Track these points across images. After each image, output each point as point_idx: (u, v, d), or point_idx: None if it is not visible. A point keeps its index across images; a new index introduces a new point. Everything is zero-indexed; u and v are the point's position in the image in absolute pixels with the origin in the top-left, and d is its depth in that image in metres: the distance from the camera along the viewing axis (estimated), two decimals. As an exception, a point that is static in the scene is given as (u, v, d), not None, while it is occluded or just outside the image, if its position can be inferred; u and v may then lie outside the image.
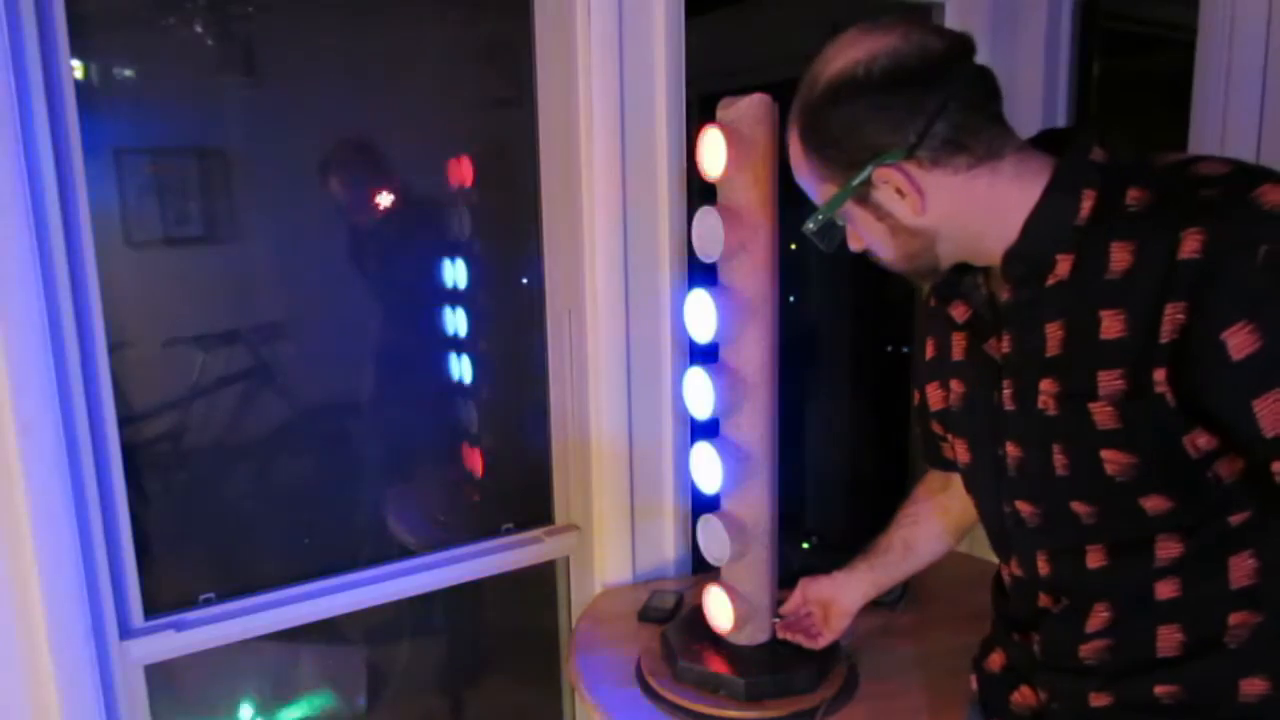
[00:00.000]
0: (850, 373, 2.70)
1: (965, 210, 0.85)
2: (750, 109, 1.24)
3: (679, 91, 1.62)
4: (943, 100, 0.81)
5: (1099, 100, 1.86)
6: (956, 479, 1.19)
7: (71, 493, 1.25)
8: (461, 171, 1.74)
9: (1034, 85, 1.83)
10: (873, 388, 2.66)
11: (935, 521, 1.24)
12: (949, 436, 1.06)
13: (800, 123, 0.88)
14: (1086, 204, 0.81)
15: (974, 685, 1.10)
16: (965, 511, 1.20)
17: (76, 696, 1.29)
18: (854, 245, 0.96)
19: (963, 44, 0.84)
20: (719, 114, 1.26)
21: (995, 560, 1.05)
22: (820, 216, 0.91)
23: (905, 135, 0.82)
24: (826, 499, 2.81)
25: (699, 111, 1.74)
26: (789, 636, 1.33)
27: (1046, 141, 0.88)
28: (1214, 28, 1.46)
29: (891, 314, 2.47)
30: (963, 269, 0.94)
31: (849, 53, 0.83)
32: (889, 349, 2.54)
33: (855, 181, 0.85)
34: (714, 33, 2.20)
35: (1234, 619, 0.83)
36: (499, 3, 1.74)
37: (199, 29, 1.47)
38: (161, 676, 1.44)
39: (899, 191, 0.84)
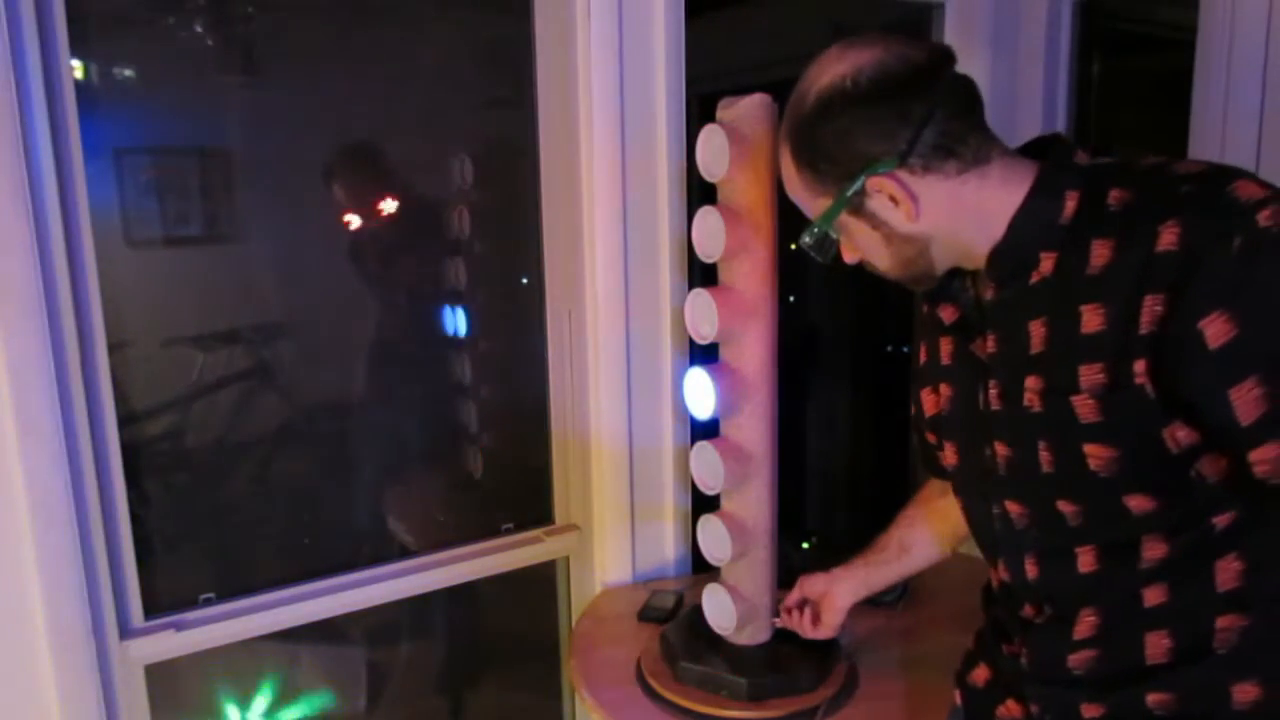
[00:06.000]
0: (850, 373, 2.70)
1: (957, 214, 0.87)
2: (750, 109, 1.24)
3: (679, 91, 1.62)
4: (930, 107, 0.83)
5: (1099, 100, 1.86)
6: None
7: (71, 493, 1.25)
8: (461, 171, 1.74)
9: (1034, 86, 1.83)
10: (873, 388, 2.66)
11: (932, 525, 1.24)
12: (941, 442, 1.07)
13: (792, 140, 0.90)
14: (1070, 204, 0.83)
15: (957, 700, 1.10)
16: (962, 519, 1.21)
17: (76, 696, 1.29)
18: (849, 257, 0.97)
19: (944, 53, 0.86)
20: (719, 114, 1.26)
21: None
22: (816, 230, 0.93)
23: (896, 143, 0.83)
24: (826, 499, 2.81)
25: (699, 111, 1.73)
26: (786, 622, 1.34)
27: (1033, 150, 0.90)
28: (1214, 28, 1.46)
29: (891, 314, 2.47)
30: (953, 272, 0.96)
31: (834, 68, 0.85)
32: (889, 349, 2.54)
33: (849, 192, 0.87)
34: (714, 33, 2.20)
35: (1221, 623, 0.83)
36: (499, 3, 1.74)
37: (199, 29, 1.47)
38: (161, 676, 1.44)
39: (892, 199, 0.86)
